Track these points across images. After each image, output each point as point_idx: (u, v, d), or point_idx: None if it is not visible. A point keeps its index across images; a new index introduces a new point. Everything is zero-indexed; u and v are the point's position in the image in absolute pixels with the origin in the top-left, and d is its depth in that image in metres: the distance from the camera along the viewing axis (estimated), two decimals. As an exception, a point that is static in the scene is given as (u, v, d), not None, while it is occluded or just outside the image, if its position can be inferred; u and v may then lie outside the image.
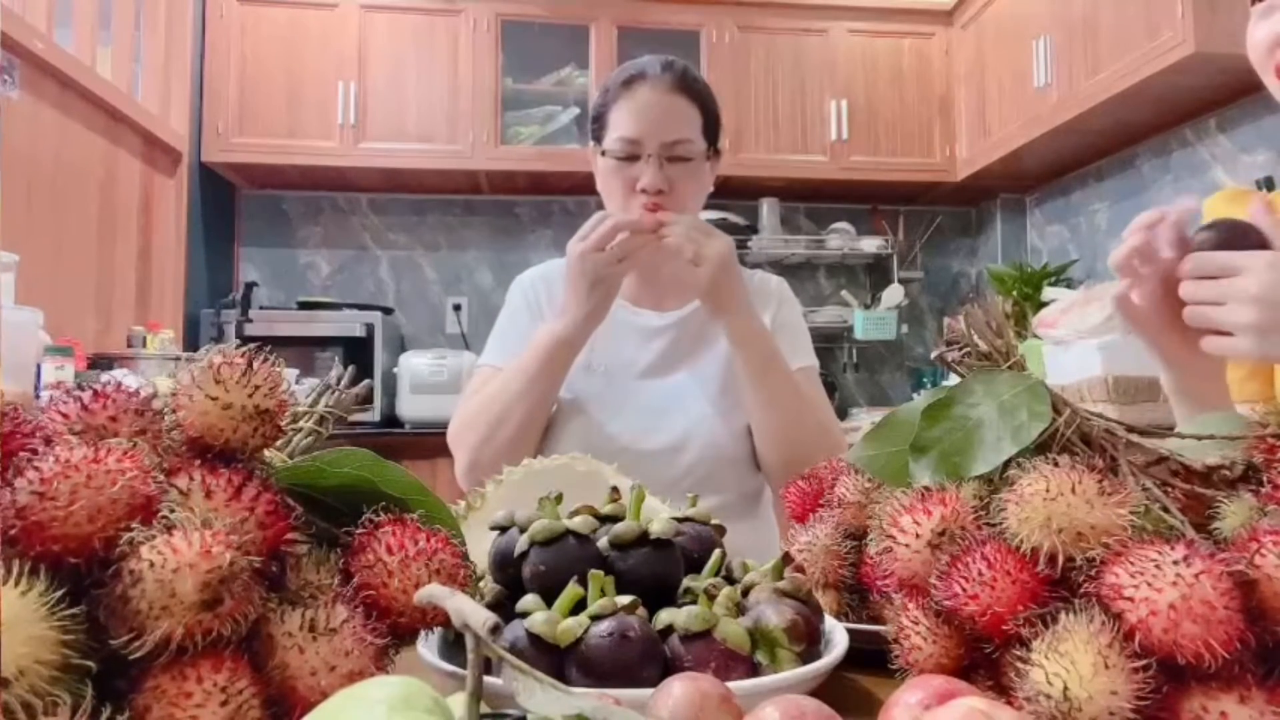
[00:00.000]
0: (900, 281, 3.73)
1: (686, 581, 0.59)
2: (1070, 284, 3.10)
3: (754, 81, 3.54)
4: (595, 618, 0.51)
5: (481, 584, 0.60)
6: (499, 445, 1.21)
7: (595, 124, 1.34)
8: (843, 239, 3.73)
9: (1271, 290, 0.77)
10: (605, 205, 1.35)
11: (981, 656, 0.47)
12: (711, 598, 0.56)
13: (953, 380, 0.60)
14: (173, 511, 0.40)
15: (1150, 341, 0.92)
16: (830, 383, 3.73)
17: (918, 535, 0.49)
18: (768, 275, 1.48)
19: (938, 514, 0.49)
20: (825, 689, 0.53)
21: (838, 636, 0.59)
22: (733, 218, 3.58)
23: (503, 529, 0.61)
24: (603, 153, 1.30)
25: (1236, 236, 0.82)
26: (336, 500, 0.49)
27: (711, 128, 1.32)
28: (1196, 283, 0.82)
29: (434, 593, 0.35)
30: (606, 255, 1.17)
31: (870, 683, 0.61)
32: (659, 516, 0.61)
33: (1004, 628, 0.44)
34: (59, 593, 0.36)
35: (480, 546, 0.59)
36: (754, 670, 0.53)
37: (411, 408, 3.17)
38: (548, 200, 3.79)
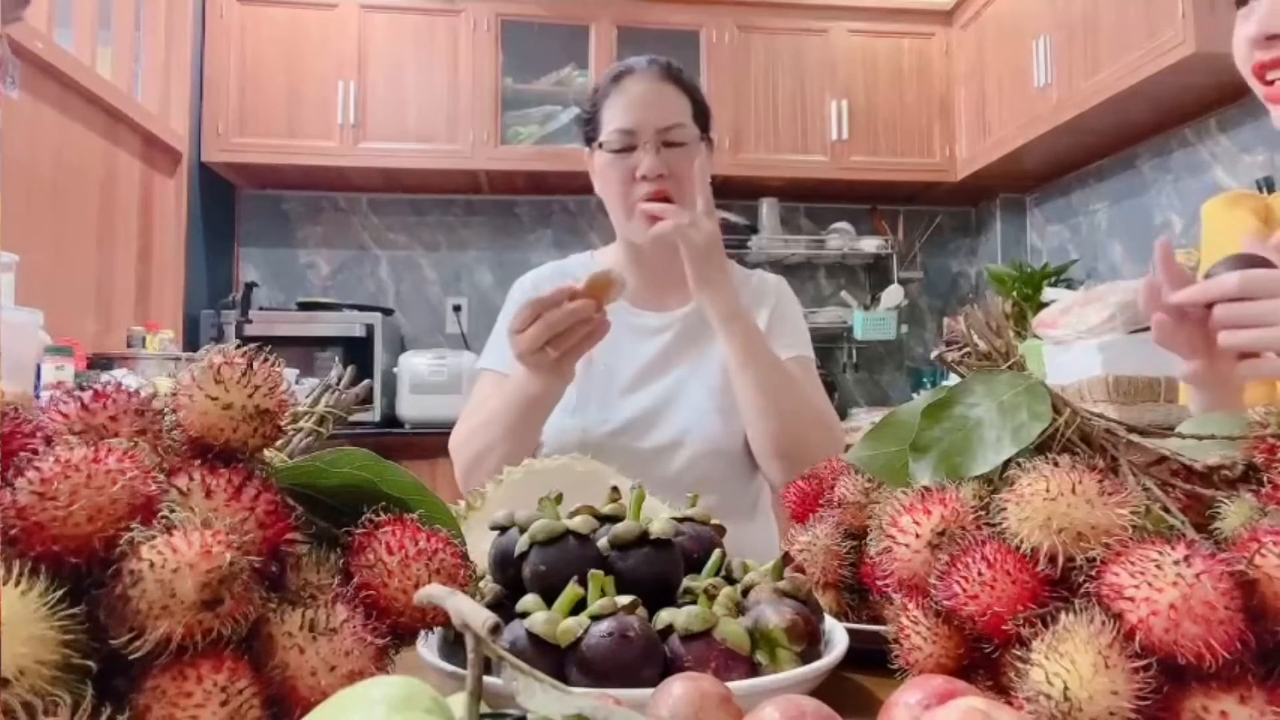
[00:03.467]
0: (900, 282, 3.73)
1: (686, 581, 0.59)
2: (1070, 284, 3.10)
3: (754, 81, 3.54)
4: (595, 618, 0.51)
5: (481, 584, 0.60)
6: (485, 474, 1.17)
7: (588, 125, 1.35)
8: (842, 239, 3.73)
9: None
10: (606, 204, 1.35)
11: (981, 656, 0.47)
12: (711, 598, 0.56)
13: (953, 380, 0.60)
14: (173, 511, 0.40)
15: (1204, 383, 0.90)
16: (830, 383, 3.73)
17: (917, 535, 0.49)
18: (766, 274, 1.48)
19: (938, 514, 0.49)
20: (825, 689, 0.53)
21: (837, 636, 0.59)
22: (733, 218, 3.58)
23: (503, 529, 0.61)
24: (600, 145, 1.30)
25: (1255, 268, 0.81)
26: (336, 500, 0.49)
27: (702, 116, 1.33)
28: (1243, 305, 0.79)
29: (434, 593, 0.35)
30: (545, 355, 1.07)
31: (870, 683, 0.61)
32: (659, 516, 0.61)
33: (1004, 628, 0.44)
34: (59, 593, 0.36)
35: (480, 546, 0.59)
36: (754, 670, 0.53)
37: (411, 408, 3.17)
38: (547, 200, 3.79)
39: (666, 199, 1.26)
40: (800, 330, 1.41)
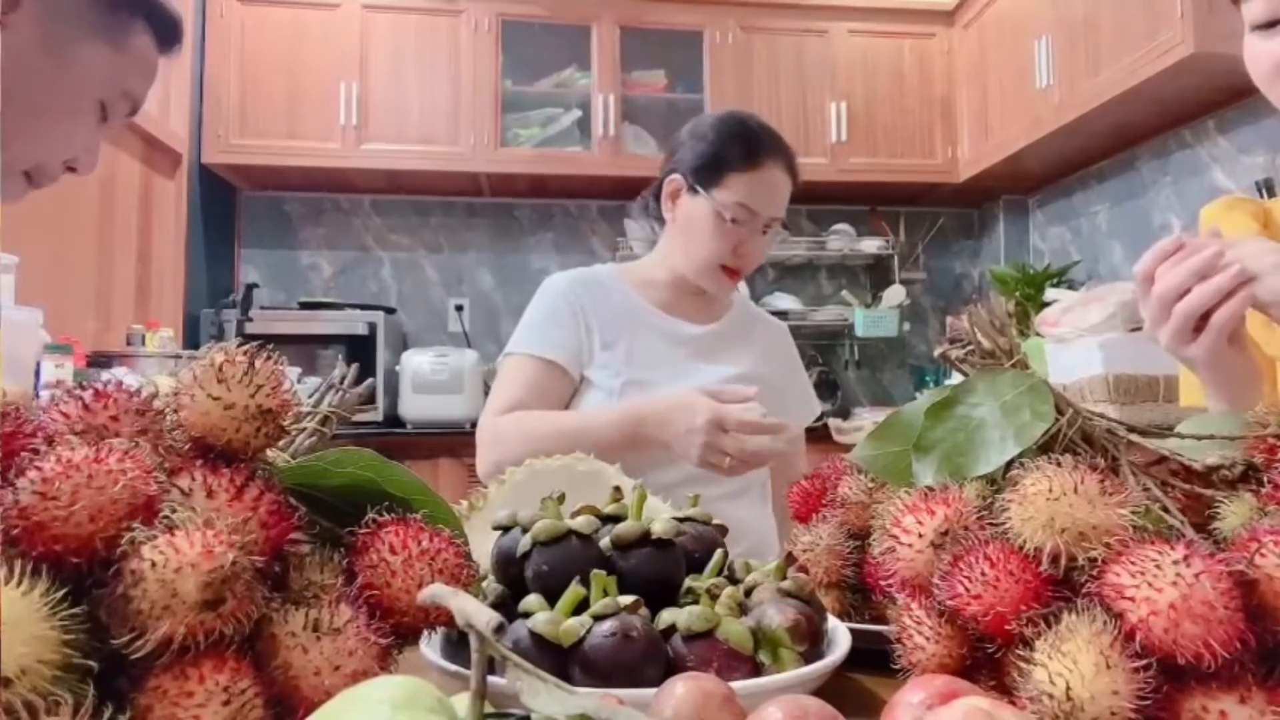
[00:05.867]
0: (902, 282, 3.73)
1: (689, 581, 0.59)
2: (1071, 285, 3.10)
3: (756, 82, 3.53)
4: (598, 618, 0.51)
5: (484, 584, 0.60)
6: None
7: (704, 170, 1.41)
8: (843, 240, 3.73)
9: (1273, 245, 0.77)
10: (683, 241, 1.45)
11: (984, 656, 0.47)
12: (714, 598, 0.56)
13: (955, 379, 0.60)
14: (174, 511, 0.40)
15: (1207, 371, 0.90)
16: (832, 381, 3.73)
17: (920, 535, 0.49)
18: (770, 318, 1.65)
19: (940, 514, 0.49)
20: (828, 689, 0.53)
21: (840, 636, 0.59)
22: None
23: (505, 529, 0.61)
24: (721, 213, 1.38)
25: None
26: (340, 500, 0.49)
27: None
28: (1178, 265, 0.81)
29: (437, 592, 0.35)
30: (726, 465, 1.21)
31: (873, 683, 0.61)
32: (660, 516, 0.61)
33: (1007, 627, 0.44)
34: (61, 592, 0.36)
35: (483, 547, 0.59)
36: (756, 670, 0.53)
37: (414, 407, 3.17)
38: (548, 203, 3.79)
39: (739, 272, 1.44)
40: (810, 388, 1.61)
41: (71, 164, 0.94)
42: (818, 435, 2.73)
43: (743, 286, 1.66)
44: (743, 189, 1.39)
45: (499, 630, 0.32)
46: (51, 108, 0.89)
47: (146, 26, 0.94)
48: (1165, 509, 0.48)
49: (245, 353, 0.46)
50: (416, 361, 3.19)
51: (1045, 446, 0.53)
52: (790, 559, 0.67)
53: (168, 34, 0.96)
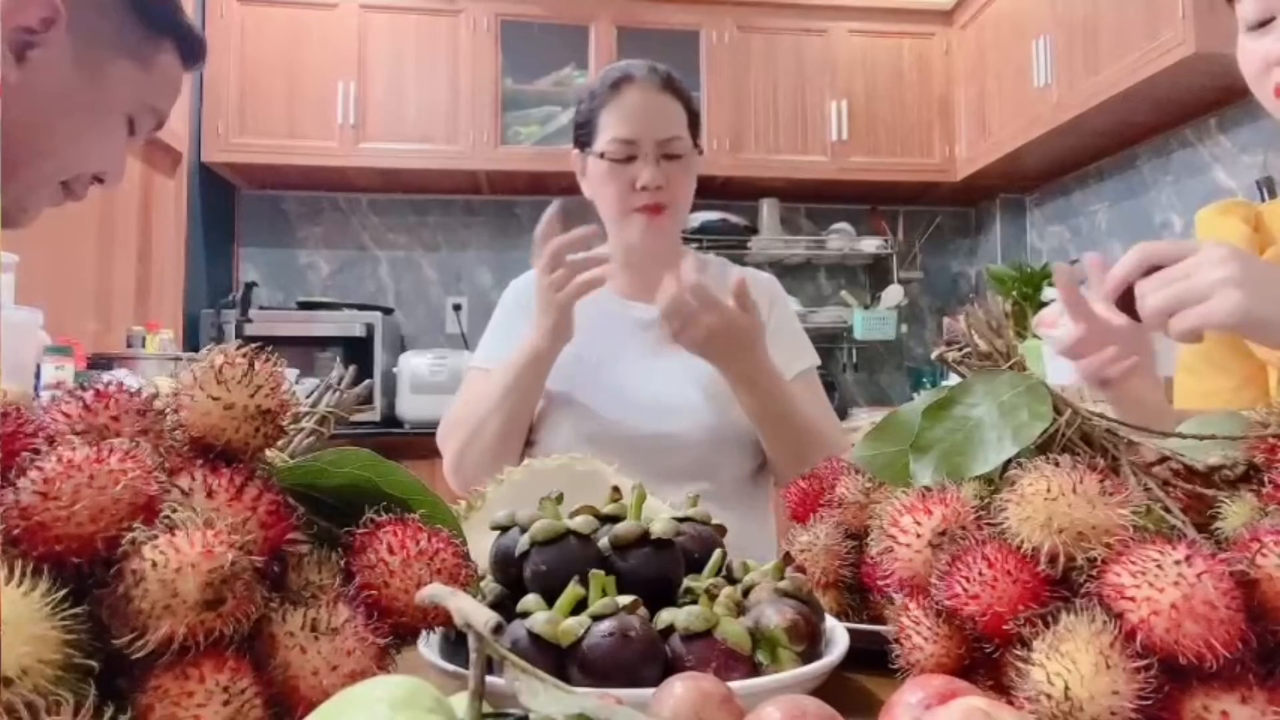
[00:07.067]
0: (900, 282, 3.73)
1: (687, 581, 0.59)
2: (1070, 284, 3.09)
3: (754, 82, 3.54)
4: (596, 617, 0.51)
5: (482, 584, 0.60)
6: (478, 452, 1.26)
7: (582, 129, 1.37)
8: (842, 239, 3.73)
9: (1234, 251, 0.76)
10: (599, 208, 1.38)
11: (982, 656, 0.47)
12: (712, 598, 0.56)
13: (953, 380, 0.60)
14: (175, 511, 0.40)
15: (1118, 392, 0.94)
16: (830, 382, 3.73)
17: (918, 535, 0.49)
18: (757, 272, 1.50)
19: (938, 514, 0.49)
20: (826, 689, 0.54)
21: (838, 636, 0.59)
22: (733, 218, 3.58)
23: (504, 529, 0.61)
24: (600, 155, 1.33)
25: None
26: (338, 500, 0.49)
27: (694, 125, 1.37)
28: (1154, 275, 0.80)
29: (436, 592, 0.35)
30: (565, 293, 1.23)
31: (871, 682, 0.61)
32: (660, 516, 0.61)
33: (1005, 627, 0.44)
34: (62, 592, 0.36)
35: (481, 546, 0.59)
36: (755, 670, 0.53)
37: (411, 408, 3.17)
38: (547, 201, 3.78)
39: (661, 208, 1.32)
40: (801, 338, 1.44)
41: (100, 176, 0.98)
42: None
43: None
44: (611, 123, 1.32)
45: (497, 630, 0.32)
46: (85, 121, 0.93)
47: (174, 46, 0.97)
48: (1166, 509, 0.48)
49: (245, 355, 0.46)
50: (415, 363, 3.20)
51: (1044, 447, 0.53)
52: (788, 559, 0.67)
53: (192, 53, 1.00)
